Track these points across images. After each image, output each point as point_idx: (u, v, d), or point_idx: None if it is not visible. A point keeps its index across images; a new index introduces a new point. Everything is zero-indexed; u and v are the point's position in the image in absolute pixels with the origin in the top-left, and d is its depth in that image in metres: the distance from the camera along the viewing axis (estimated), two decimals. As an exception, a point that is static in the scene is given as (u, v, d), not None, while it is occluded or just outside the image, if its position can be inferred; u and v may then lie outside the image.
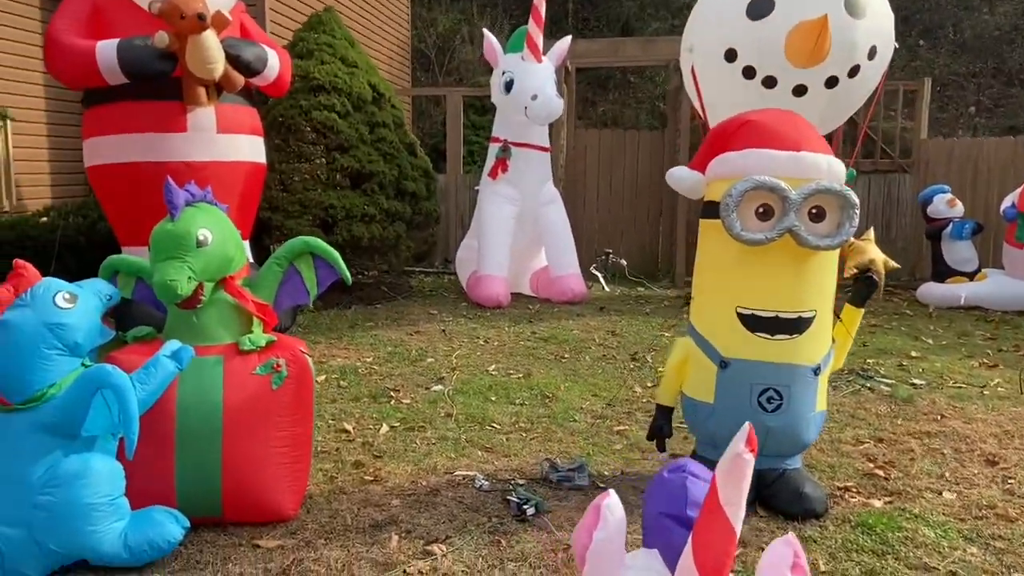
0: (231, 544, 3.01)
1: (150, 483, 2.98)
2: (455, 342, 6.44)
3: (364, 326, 7.07)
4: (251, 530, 3.10)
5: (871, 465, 3.90)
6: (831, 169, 3.27)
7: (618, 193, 10.61)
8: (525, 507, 3.25)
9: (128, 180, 5.65)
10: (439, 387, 5.17)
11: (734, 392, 3.30)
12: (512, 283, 8.12)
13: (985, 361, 6.07)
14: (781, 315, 3.23)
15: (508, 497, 3.37)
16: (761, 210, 3.20)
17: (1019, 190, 8.18)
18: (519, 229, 7.97)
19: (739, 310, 3.28)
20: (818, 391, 3.36)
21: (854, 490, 3.63)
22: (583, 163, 10.62)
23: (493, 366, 5.70)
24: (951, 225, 8.28)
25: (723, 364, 3.32)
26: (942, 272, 8.40)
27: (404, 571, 2.81)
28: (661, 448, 3.64)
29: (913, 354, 6.18)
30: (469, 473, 3.74)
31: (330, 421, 4.46)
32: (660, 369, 5.70)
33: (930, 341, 6.70)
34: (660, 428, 3.59)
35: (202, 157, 5.75)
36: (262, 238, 8.00)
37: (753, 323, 3.26)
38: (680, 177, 3.51)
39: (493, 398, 4.96)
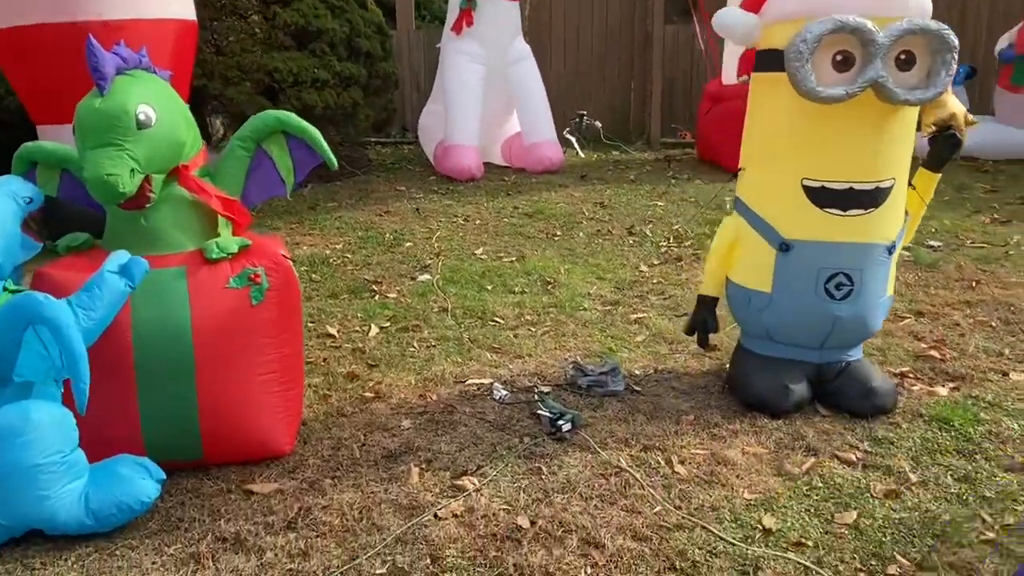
0: (218, 492, 2.50)
1: (110, 428, 2.43)
2: (432, 222, 5.83)
3: (326, 207, 6.38)
4: (240, 472, 2.59)
5: (922, 345, 3.53)
6: (920, 4, 2.68)
7: (586, 48, 9.77)
8: (560, 423, 2.79)
9: (32, 46, 4.73)
10: (426, 277, 4.61)
11: (797, 279, 2.83)
12: (482, 151, 7.42)
13: (996, 217, 5.74)
14: (856, 186, 2.72)
15: (538, 411, 2.90)
16: (839, 58, 2.62)
17: (1017, 28, 7.66)
18: (488, 91, 7.19)
19: (805, 182, 2.76)
20: (889, 272, 2.91)
21: (912, 376, 3.26)
22: (548, 13, 9.69)
23: (480, 249, 5.14)
24: (946, 71, 7.75)
25: (784, 247, 2.82)
26: (933, 122, 7.95)
27: (436, 516, 2.35)
28: (703, 344, 3.19)
29: (922, 214, 5.79)
30: (483, 381, 3.25)
31: (310, 324, 3.89)
32: (662, 244, 5.22)
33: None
34: (704, 322, 3.12)
35: (120, 14, 4.84)
36: (199, 109, 7.11)
37: (822, 197, 2.75)
38: (730, 22, 2.87)
39: (489, 287, 4.43)
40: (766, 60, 2.85)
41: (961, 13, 9.22)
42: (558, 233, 5.48)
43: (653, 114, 9.16)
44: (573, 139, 8.51)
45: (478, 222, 5.81)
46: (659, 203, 6.23)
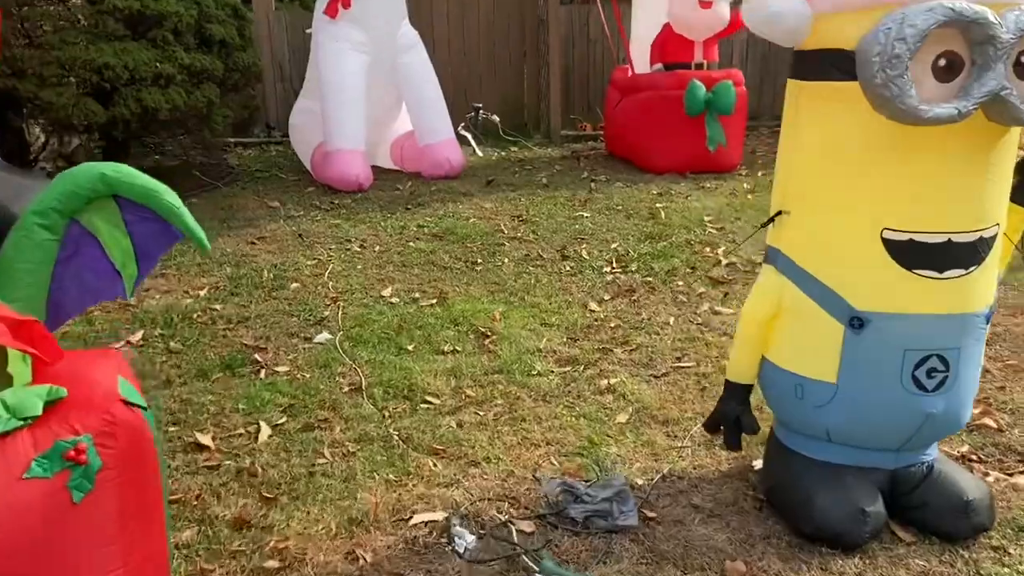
0: None
1: None
2: (320, 250, 4.77)
3: (183, 234, 5.17)
4: None
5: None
6: (1029, -15, 1.94)
7: (472, 32, 8.81)
8: (569, 601, 1.91)
9: None
10: (325, 336, 3.59)
11: (875, 365, 2.06)
12: (368, 154, 6.35)
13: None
14: (955, 238, 1.97)
15: (532, 580, 2.00)
16: (943, 63, 1.85)
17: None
18: (373, 85, 6.13)
19: (887, 235, 1.98)
20: (983, 348, 2.19)
21: (976, 459, 2.59)
22: (428, -6, 8.64)
23: (388, 288, 4.15)
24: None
25: (856, 322, 2.05)
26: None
27: None
28: (734, 445, 2.38)
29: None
30: (434, 517, 2.32)
31: (171, 430, 2.82)
32: (605, 269, 4.41)
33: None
34: (735, 421, 2.31)
35: None
36: (7, 116, 5.72)
37: (911, 254, 1.98)
38: (776, 12, 2.03)
39: (409, 346, 3.47)
40: (821, 64, 2.04)
41: None
42: (479, 260, 4.56)
43: (552, 105, 8.33)
44: (469, 136, 7.58)
45: (378, 248, 4.80)
46: (584, 214, 5.41)
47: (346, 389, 3.12)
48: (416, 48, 6.40)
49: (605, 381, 3.14)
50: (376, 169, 6.53)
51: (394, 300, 4.00)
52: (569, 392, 3.08)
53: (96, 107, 5.38)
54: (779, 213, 2.21)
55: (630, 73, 6.99)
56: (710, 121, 6.31)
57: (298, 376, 3.23)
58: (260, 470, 2.57)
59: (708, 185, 6.13)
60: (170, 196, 1.68)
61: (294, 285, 4.22)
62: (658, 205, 5.54)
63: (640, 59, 6.90)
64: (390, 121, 6.67)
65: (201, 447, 2.72)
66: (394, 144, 6.74)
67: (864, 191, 2.00)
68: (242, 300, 4.03)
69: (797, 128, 2.15)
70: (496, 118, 7.95)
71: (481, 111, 7.92)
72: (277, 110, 8.49)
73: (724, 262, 4.41)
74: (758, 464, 2.51)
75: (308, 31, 6.55)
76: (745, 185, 6.10)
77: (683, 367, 3.25)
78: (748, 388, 2.32)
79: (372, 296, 4.06)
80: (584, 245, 4.77)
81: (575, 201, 5.74)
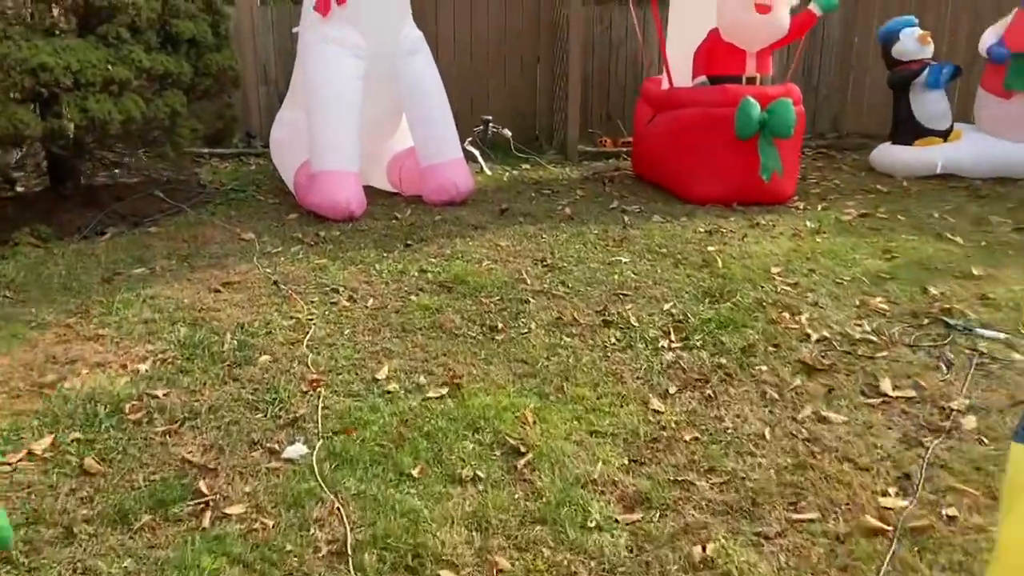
0: None
1: None
2: (298, 305, 3.79)
3: (130, 275, 4.20)
4: None
5: None
6: None
7: (481, 33, 7.85)
8: None
9: None
10: (298, 448, 2.63)
11: None
12: (361, 174, 5.38)
13: (1061, 273, 4.36)
14: None
15: None
16: None
17: (1005, 21, 6.43)
18: (369, 95, 5.17)
19: None
20: None
21: None
22: (432, -9, 7.68)
23: (384, 368, 3.18)
24: (927, 70, 6.43)
25: None
26: (908, 131, 6.64)
27: None
28: None
29: (974, 271, 4.32)
30: None
31: (56, 639, 1.86)
32: (661, 343, 3.45)
33: (959, 240, 4.89)
34: None
35: None
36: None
37: None
38: None
39: (414, 471, 2.52)
40: None
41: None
42: (499, 325, 3.59)
43: (570, 117, 7.37)
44: (477, 152, 6.62)
45: (371, 303, 3.84)
46: (623, 259, 4.45)
47: (324, 552, 2.16)
48: (421, 53, 5.44)
49: (697, 546, 2.19)
50: (370, 191, 5.56)
51: (392, 387, 3.03)
52: (647, 565, 2.13)
53: (28, 117, 4.40)
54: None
55: (666, 85, 6.05)
56: (764, 145, 5.38)
57: (256, 522, 2.27)
58: None
59: (762, 221, 5.20)
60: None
61: (263, 359, 3.25)
62: (710, 248, 4.60)
63: (677, 69, 5.96)
64: (387, 136, 5.70)
65: (95, 675, 1.76)
66: (392, 162, 5.76)
67: None
68: (193, 382, 3.07)
69: None
70: (508, 132, 6.99)
71: (491, 124, 6.96)
72: (260, 118, 7.52)
73: (814, 337, 3.47)
74: None
75: (295, 30, 5.58)
76: (808, 223, 5.16)
77: (803, 521, 2.31)
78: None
79: (363, 379, 3.10)
80: (629, 305, 3.81)
81: (608, 240, 4.78)
